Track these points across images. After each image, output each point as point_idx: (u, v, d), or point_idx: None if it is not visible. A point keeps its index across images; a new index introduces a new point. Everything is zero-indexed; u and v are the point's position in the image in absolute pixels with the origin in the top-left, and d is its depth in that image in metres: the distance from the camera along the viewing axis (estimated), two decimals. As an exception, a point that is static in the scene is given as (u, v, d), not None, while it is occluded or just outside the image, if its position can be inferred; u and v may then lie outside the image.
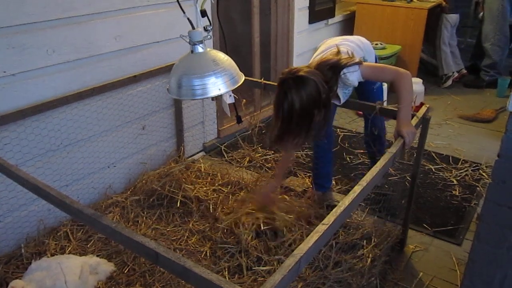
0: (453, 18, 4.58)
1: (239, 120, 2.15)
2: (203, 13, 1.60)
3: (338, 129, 3.76)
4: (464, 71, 4.85)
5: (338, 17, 4.76)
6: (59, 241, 2.30)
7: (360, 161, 3.24)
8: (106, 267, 2.08)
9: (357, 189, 1.34)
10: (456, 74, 4.76)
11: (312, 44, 4.47)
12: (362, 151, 3.36)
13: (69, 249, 2.25)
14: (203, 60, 1.53)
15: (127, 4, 2.49)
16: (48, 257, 2.12)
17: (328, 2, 4.49)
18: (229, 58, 1.61)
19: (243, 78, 1.62)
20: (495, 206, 1.54)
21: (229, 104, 2.11)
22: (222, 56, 1.59)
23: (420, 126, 2.01)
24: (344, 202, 1.27)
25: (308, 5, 4.17)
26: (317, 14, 4.34)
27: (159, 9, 2.67)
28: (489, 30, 4.62)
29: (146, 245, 1.14)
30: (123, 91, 2.60)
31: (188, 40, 1.56)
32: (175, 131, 3.05)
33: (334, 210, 1.24)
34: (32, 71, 2.15)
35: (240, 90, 1.83)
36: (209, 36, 1.58)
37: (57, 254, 2.18)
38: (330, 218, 1.19)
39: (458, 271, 2.21)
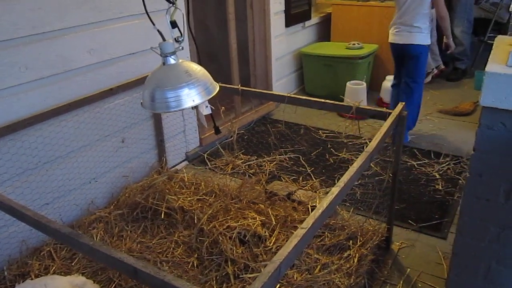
0: (432, 13, 4.63)
1: (217, 131, 2.14)
2: (174, 24, 1.59)
3: (320, 131, 3.77)
4: (443, 66, 4.91)
5: (314, 19, 4.81)
6: (42, 261, 2.25)
7: (344, 163, 3.25)
8: (92, 287, 2.04)
9: (335, 190, 1.34)
10: (435, 71, 4.83)
11: (290, 47, 4.50)
12: (344, 152, 3.38)
13: (54, 268, 2.20)
14: (176, 72, 1.52)
15: (100, 17, 2.47)
16: (32, 279, 2.08)
17: (303, 5, 4.52)
18: (203, 69, 1.60)
19: (217, 87, 1.61)
20: (474, 199, 1.56)
21: (205, 115, 2.10)
22: (195, 67, 1.57)
23: (397, 124, 2.02)
24: (322, 204, 1.27)
25: (284, 9, 4.20)
26: (293, 18, 4.37)
27: (133, 21, 2.66)
28: (459, 18, 4.75)
29: (124, 261, 1.12)
30: (100, 105, 2.57)
31: (159, 52, 1.54)
32: (156, 142, 3.03)
33: (312, 213, 1.24)
34: (5, 89, 2.11)
35: (219, 97, 1.82)
36: (180, 47, 1.57)
37: (41, 275, 2.14)
38: (308, 221, 1.19)
39: (444, 265, 2.23)
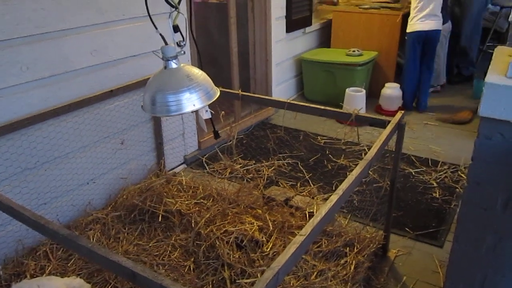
0: (445, 28, 4.35)
1: (216, 136, 2.14)
2: (176, 28, 1.59)
3: (318, 137, 3.78)
4: (444, 81, 4.89)
5: (315, 26, 4.82)
6: (38, 261, 2.25)
7: (342, 169, 3.26)
8: (89, 291, 2.04)
9: (333, 198, 1.35)
10: (438, 88, 4.81)
11: (290, 52, 4.52)
12: (342, 159, 3.39)
13: (49, 269, 2.20)
14: (177, 76, 1.52)
15: (102, 18, 2.48)
16: (28, 278, 2.07)
17: (304, 11, 4.54)
18: (204, 73, 1.60)
19: (218, 92, 1.61)
20: (472, 208, 1.57)
21: (205, 119, 2.10)
22: (196, 71, 1.58)
23: (396, 132, 2.03)
24: (320, 212, 1.28)
25: (285, 14, 4.21)
26: (294, 23, 4.38)
27: (135, 23, 2.66)
28: (469, 31, 4.74)
29: (123, 265, 1.12)
30: (100, 106, 2.58)
31: (161, 56, 1.55)
32: (155, 145, 3.03)
33: (311, 220, 1.24)
34: (6, 88, 2.12)
35: (218, 101, 1.83)
36: (182, 52, 1.58)
37: (37, 275, 2.13)
38: (307, 229, 1.20)
39: (440, 273, 2.23)
